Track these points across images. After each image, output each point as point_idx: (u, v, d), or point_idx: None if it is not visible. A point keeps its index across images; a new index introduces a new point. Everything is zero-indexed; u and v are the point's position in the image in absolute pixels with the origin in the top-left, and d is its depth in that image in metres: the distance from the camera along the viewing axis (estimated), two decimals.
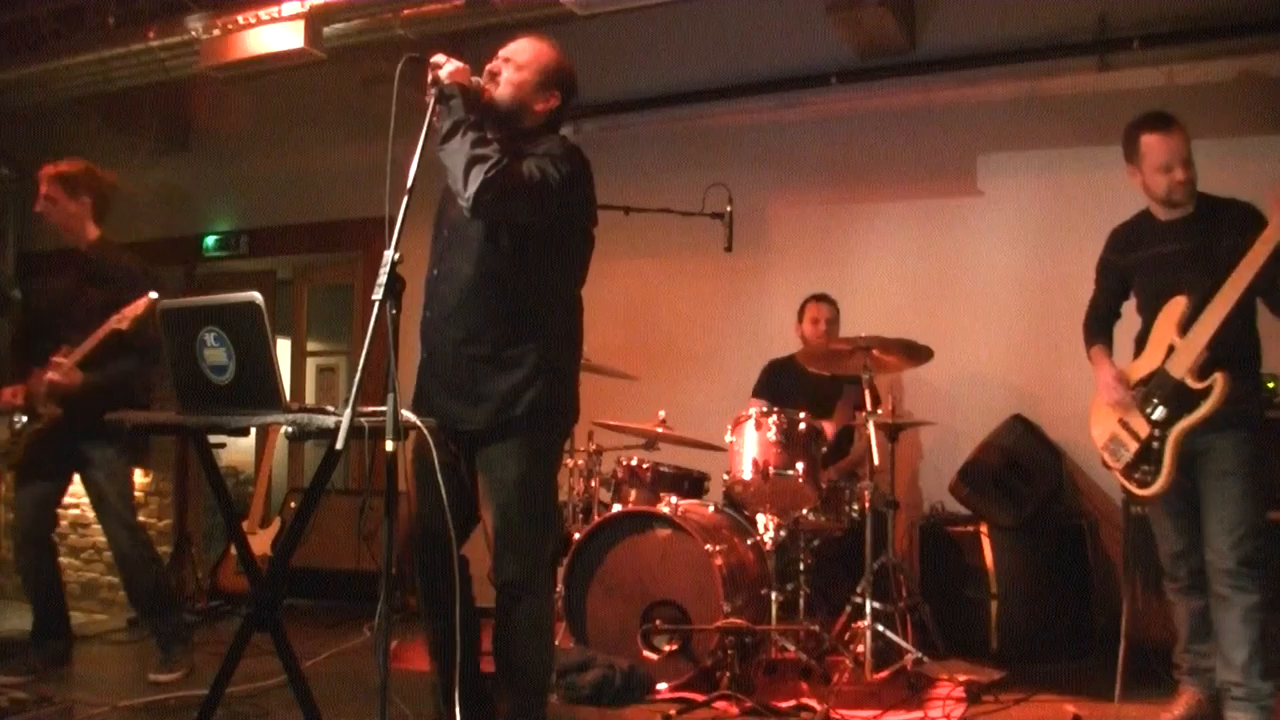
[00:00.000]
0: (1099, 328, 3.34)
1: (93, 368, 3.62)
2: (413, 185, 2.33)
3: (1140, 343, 3.16)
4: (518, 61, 2.62)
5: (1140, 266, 3.19)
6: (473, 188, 2.37)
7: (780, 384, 4.60)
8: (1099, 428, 3.21)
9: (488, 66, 2.62)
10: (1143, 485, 3.05)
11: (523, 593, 2.59)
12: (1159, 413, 3.01)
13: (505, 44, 2.71)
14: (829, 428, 4.28)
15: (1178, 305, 3.00)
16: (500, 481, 2.57)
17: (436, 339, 2.65)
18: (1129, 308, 3.31)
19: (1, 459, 3.80)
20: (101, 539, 6.82)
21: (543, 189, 2.47)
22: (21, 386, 3.73)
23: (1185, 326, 2.97)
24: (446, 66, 2.48)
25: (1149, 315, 3.14)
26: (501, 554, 2.57)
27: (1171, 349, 3.00)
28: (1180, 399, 2.97)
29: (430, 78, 2.46)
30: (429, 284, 2.68)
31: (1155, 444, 3.01)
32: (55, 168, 3.86)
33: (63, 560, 7.00)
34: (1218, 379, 2.88)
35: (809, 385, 4.58)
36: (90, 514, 6.85)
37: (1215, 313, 2.90)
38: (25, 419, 3.72)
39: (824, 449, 4.02)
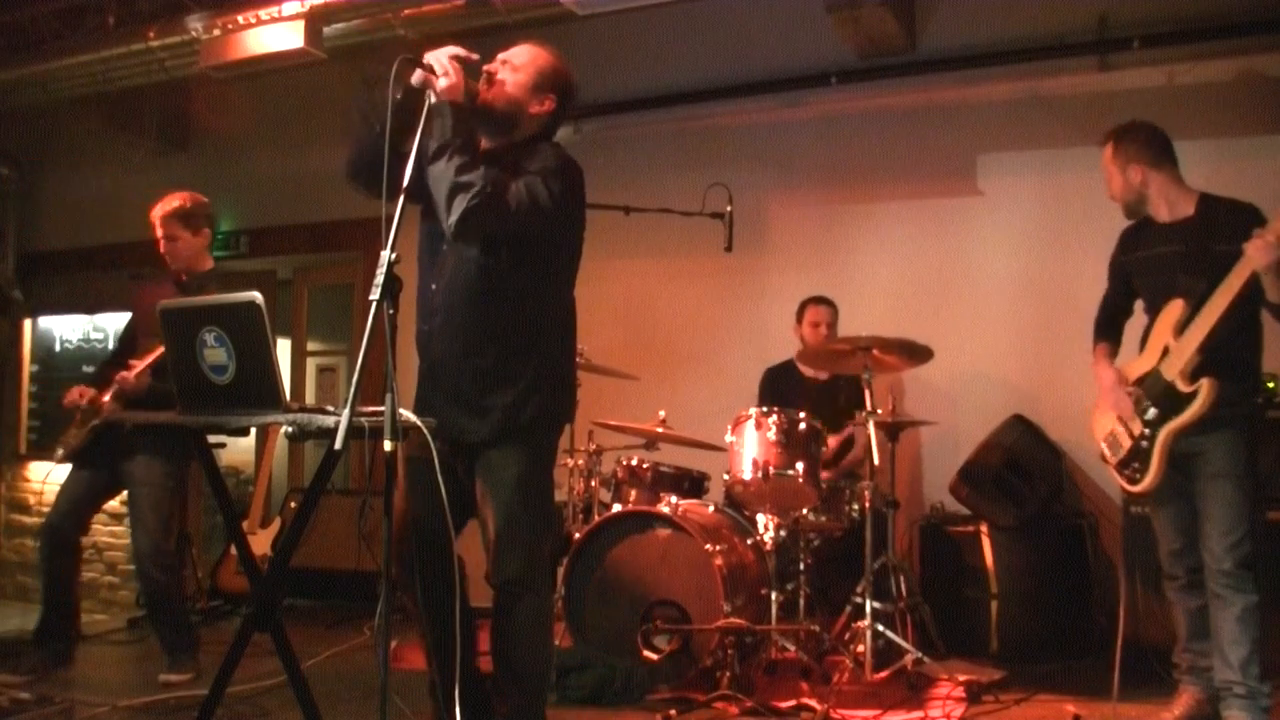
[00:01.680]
0: (1106, 326, 3.37)
1: (165, 378, 3.66)
2: (409, 185, 2.32)
3: (1143, 342, 3.18)
4: (515, 64, 2.61)
5: (1140, 266, 3.22)
6: (454, 216, 2.36)
7: (781, 391, 4.60)
8: (1100, 424, 3.24)
9: (485, 68, 2.61)
10: (1132, 482, 3.10)
11: (523, 591, 2.59)
12: (1151, 413, 3.04)
13: (505, 44, 2.70)
14: (833, 440, 4.29)
15: (1176, 308, 3.01)
16: (501, 481, 2.57)
17: (438, 351, 2.64)
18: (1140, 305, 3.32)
19: (62, 448, 3.87)
20: (101, 539, 6.87)
21: (531, 212, 2.44)
22: (93, 390, 3.81)
23: (1180, 329, 2.99)
24: (441, 80, 2.41)
25: (1150, 315, 3.17)
26: (502, 553, 2.57)
27: (1166, 350, 3.02)
28: (1170, 400, 2.99)
29: (419, 77, 2.42)
30: (426, 297, 2.66)
31: (1145, 443, 3.04)
32: (167, 207, 3.90)
33: None
34: (1204, 384, 2.90)
35: (809, 389, 4.58)
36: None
37: (1206, 318, 2.92)
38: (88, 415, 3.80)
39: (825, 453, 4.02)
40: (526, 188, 2.45)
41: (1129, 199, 3.20)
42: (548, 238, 2.58)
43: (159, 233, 3.92)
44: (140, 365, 3.68)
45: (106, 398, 3.76)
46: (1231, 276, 2.87)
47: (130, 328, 4.09)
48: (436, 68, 2.39)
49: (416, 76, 2.42)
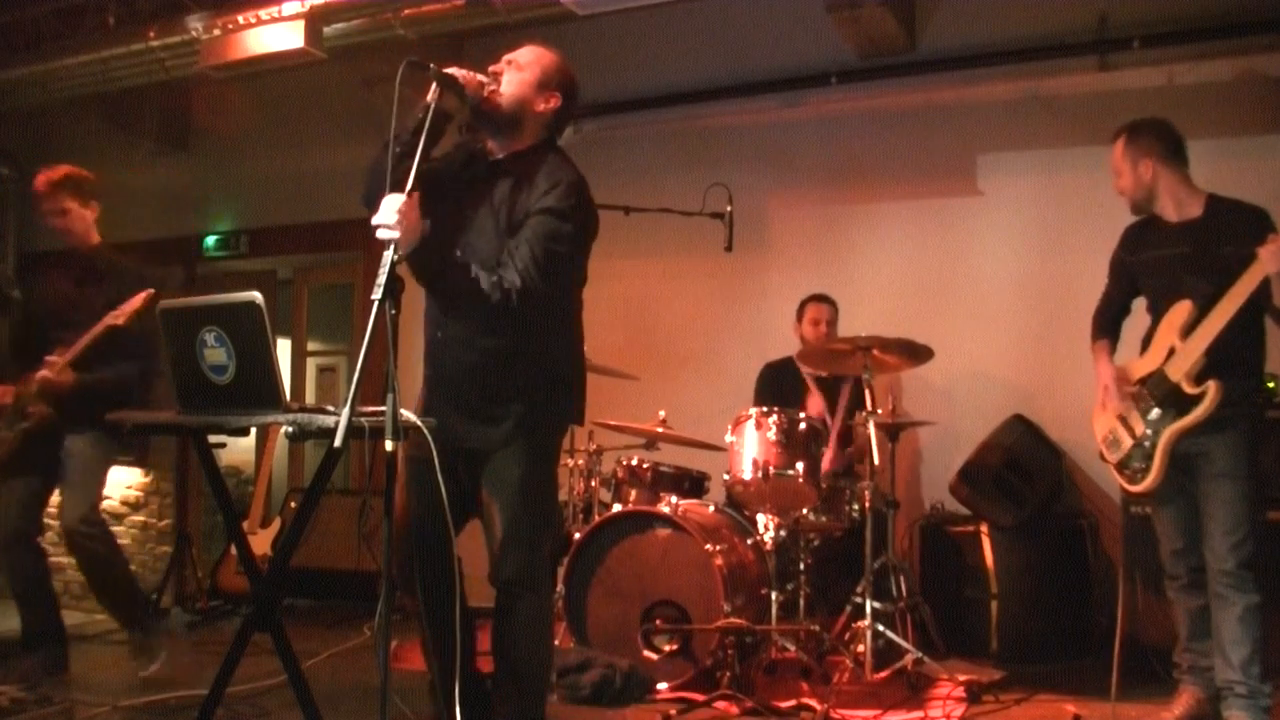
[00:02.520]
0: (1106, 324, 3.36)
1: (87, 368, 3.60)
2: (412, 187, 2.32)
3: (1146, 342, 3.18)
4: (520, 63, 2.63)
5: (1146, 267, 3.21)
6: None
7: (779, 387, 4.60)
8: (1100, 422, 3.24)
9: (490, 68, 2.62)
10: (1133, 481, 3.11)
11: (524, 591, 2.59)
12: (1154, 413, 3.04)
13: (505, 44, 2.71)
14: (832, 425, 4.26)
15: (1183, 309, 3.00)
16: (506, 482, 2.57)
17: (448, 360, 2.63)
18: (1140, 304, 3.31)
19: None
20: None
21: (553, 272, 2.47)
22: (12, 386, 3.71)
23: (1187, 331, 2.98)
24: (390, 251, 2.22)
25: (1154, 316, 3.17)
26: (503, 553, 2.57)
27: (1172, 351, 3.02)
28: (1175, 402, 2.99)
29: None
30: (440, 305, 2.66)
31: (1147, 443, 3.05)
32: (54, 175, 3.79)
33: (63, 560, 7.06)
34: (1210, 387, 2.91)
35: (808, 386, 4.58)
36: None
37: (1213, 322, 2.93)
38: (14, 418, 3.68)
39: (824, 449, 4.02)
40: (540, 251, 2.45)
41: (1138, 195, 3.17)
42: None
43: (47, 205, 3.76)
44: (60, 361, 3.56)
45: (31, 397, 3.63)
46: (1242, 281, 2.87)
47: (27, 318, 3.93)
48: (388, 230, 2.24)
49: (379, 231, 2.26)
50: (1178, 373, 2.98)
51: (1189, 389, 2.95)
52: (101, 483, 3.88)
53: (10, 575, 3.78)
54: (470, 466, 2.63)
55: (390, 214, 2.22)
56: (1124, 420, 3.14)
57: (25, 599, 3.78)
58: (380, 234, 2.23)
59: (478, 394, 2.59)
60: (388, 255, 2.20)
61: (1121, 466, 3.14)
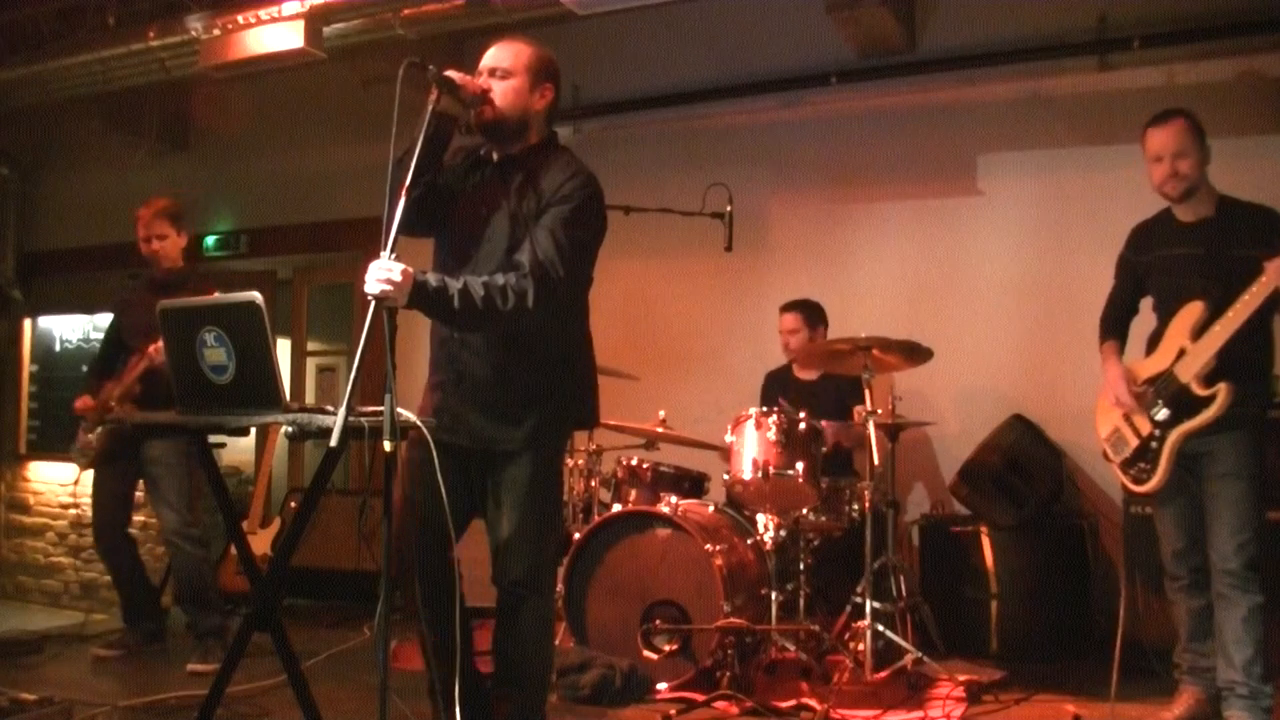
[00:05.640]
0: (1113, 324, 3.34)
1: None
2: (410, 187, 2.32)
3: (1153, 341, 3.16)
4: (504, 69, 2.58)
5: (1154, 266, 3.19)
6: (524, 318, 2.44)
7: (774, 395, 4.59)
8: (1104, 421, 3.23)
9: (478, 86, 2.55)
10: (1138, 481, 3.10)
11: (528, 593, 2.59)
12: (1162, 413, 3.03)
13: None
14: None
15: (1194, 310, 2.99)
16: (514, 481, 2.57)
17: (473, 362, 2.60)
18: (1147, 305, 3.30)
19: (80, 458, 4.13)
20: None
21: (574, 258, 2.49)
22: (91, 397, 4.08)
23: (1198, 332, 2.97)
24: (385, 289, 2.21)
25: (1162, 315, 3.15)
26: (508, 554, 2.56)
27: (1182, 352, 3.00)
28: (1184, 402, 2.98)
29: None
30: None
31: (1154, 443, 3.04)
32: (160, 204, 4.13)
33: (62, 560, 7.10)
34: (1221, 389, 2.90)
35: (804, 391, 4.56)
36: (89, 515, 6.88)
37: (1225, 327, 2.91)
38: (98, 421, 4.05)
39: (824, 450, 4.01)
40: (570, 235, 2.48)
41: (1198, 178, 3.04)
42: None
43: (149, 231, 4.09)
44: (158, 346, 3.74)
45: (116, 394, 3.97)
46: (1250, 295, 2.86)
47: (115, 329, 4.26)
48: (376, 285, 2.21)
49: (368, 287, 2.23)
50: (1188, 374, 2.97)
51: (1199, 390, 2.94)
52: (196, 489, 4.11)
53: (107, 561, 4.22)
54: (484, 466, 2.62)
55: (376, 281, 2.21)
56: (1130, 420, 3.13)
57: (121, 581, 4.20)
58: (370, 293, 2.21)
59: (503, 394, 2.57)
60: (385, 256, 2.21)
61: (1127, 466, 3.13)
